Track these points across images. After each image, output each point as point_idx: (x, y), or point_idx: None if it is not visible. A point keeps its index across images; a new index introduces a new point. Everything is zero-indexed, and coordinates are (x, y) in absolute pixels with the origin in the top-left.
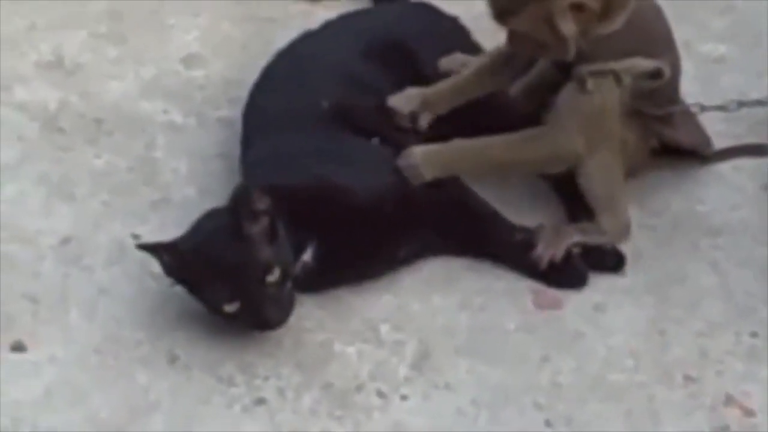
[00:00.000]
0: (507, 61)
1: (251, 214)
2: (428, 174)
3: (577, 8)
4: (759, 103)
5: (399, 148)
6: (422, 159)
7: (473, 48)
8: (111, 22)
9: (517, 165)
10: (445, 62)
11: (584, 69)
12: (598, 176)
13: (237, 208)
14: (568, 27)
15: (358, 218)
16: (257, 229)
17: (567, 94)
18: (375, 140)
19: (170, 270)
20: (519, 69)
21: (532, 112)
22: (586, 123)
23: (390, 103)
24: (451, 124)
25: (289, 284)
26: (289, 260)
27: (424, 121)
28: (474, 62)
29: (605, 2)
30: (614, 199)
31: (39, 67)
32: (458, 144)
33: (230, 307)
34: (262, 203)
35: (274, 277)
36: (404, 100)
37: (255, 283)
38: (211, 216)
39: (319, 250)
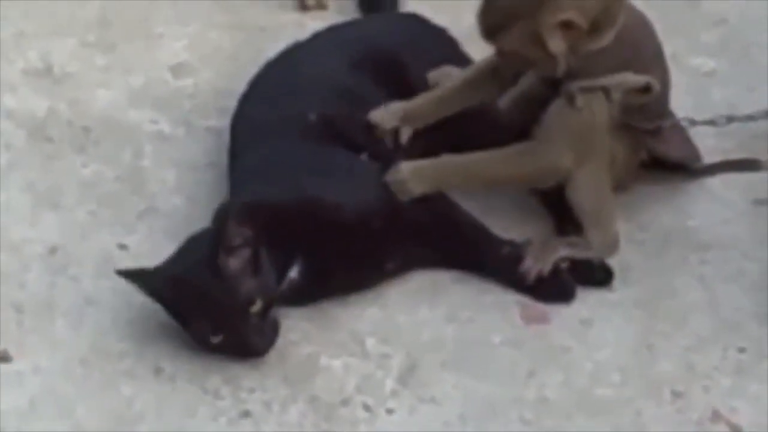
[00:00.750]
0: (492, 75)
1: (231, 248)
2: (416, 190)
3: (566, 26)
4: (749, 117)
5: (387, 162)
6: (410, 175)
7: (462, 59)
8: (100, 30)
9: (505, 180)
10: (434, 75)
11: (574, 85)
12: (587, 190)
13: (216, 243)
14: (556, 44)
15: (345, 234)
16: (238, 262)
17: (556, 109)
18: (363, 155)
19: (151, 296)
20: (505, 83)
21: (520, 127)
22: (575, 139)
23: (371, 118)
24: (440, 139)
25: (272, 311)
26: (272, 289)
27: (405, 136)
28: (458, 75)
29: (594, 19)
30: (603, 214)
31: (27, 74)
32: (446, 160)
33: (215, 339)
34: (242, 235)
35: (257, 308)
36: (386, 115)
37: (238, 317)
38: (193, 242)
39: (306, 266)
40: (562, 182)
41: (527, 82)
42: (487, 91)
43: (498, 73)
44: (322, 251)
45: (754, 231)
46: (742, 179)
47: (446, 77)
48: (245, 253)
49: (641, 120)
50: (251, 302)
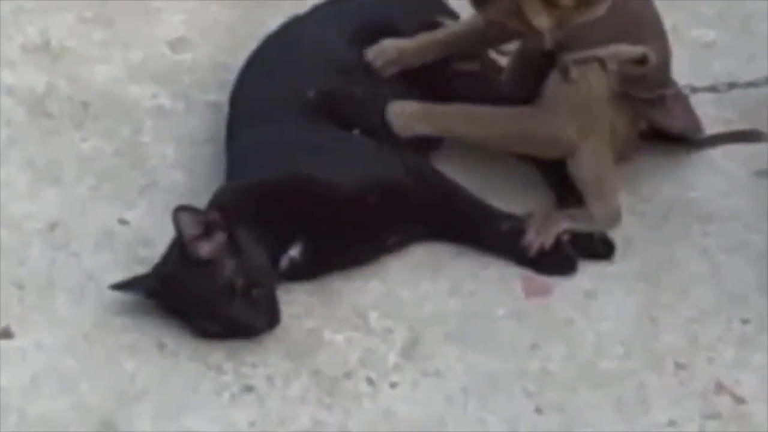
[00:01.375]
0: (486, 30)
1: (200, 236)
2: (418, 126)
3: (549, 3)
4: (750, 84)
5: (381, 138)
6: (417, 111)
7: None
8: (98, 5)
9: (507, 139)
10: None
11: (567, 58)
12: (588, 163)
13: (180, 236)
14: (540, 20)
15: (343, 211)
16: (212, 247)
17: (553, 83)
18: (356, 131)
19: (150, 299)
20: (498, 40)
21: (522, 98)
22: (576, 111)
23: (366, 56)
24: None
25: (263, 287)
26: (253, 265)
27: (391, 71)
28: (455, 24)
29: None
30: (604, 186)
31: (25, 50)
32: (454, 107)
33: (215, 328)
34: (211, 221)
35: (239, 288)
36: (379, 53)
37: (223, 302)
38: (174, 244)
39: (306, 244)
40: (565, 155)
41: (527, 52)
42: (482, 42)
43: (490, 30)
44: (321, 229)
45: (756, 202)
46: (744, 150)
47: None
48: (220, 236)
49: (641, 90)
50: (232, 283)
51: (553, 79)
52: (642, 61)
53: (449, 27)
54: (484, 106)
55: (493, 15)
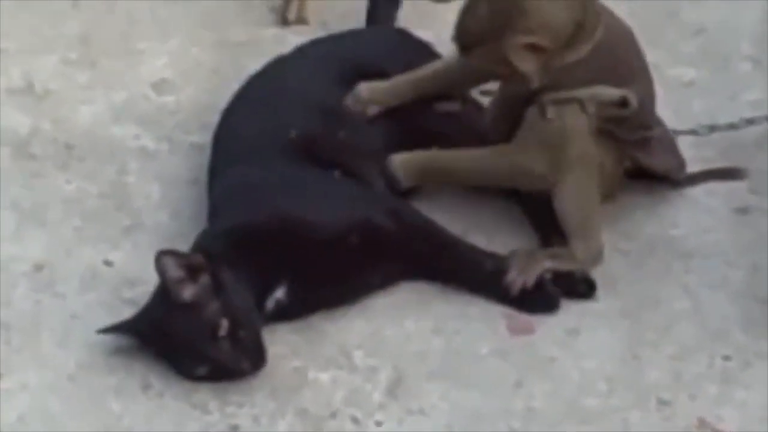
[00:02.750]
0: (463, 70)
1: (184, 279)
2: (406, 181)
3: (534, 48)
4: (730, 126)
5: (362, 179)
6: (400, 167)
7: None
8: (81, 47)
9: (486, 178)
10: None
11: (546, 97)
12: (573, 201)
13: (164, 281)
14: (525, 65)
15: (326, 252)
16: (196, 290)
17: (529, 118)
18: (336, 172)
19: (139, 341)
20: (476, 78)
21: (504, 135)
22: (547, 147)
23: (345, 102)
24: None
25: (248, 328)
26: (238, 307)
27: (372, 111)
28: (431, 64)
29: (566, 37)
30: (588, 225)
31: (9, 92)
32: (434, 154)
33: (201, 371)
34: (194, 263)
35: (223, 330)
36: (355, 96)
37: (208, 345)
38: (159, 287)
39: (291, 285)
40: (549, 192)
41: (508, 92)
42: (459, 81)
43: (467, 69)
44: (305, 270)
45: (736, 239)
46: (724, 188)
47: None
48: (203, 279)
49: (624, 131)
50: (216, 326)
51: (530, 115)
52: (622, 103)
53: (426, 67)
54: (464, 149)
55: (478, 60)
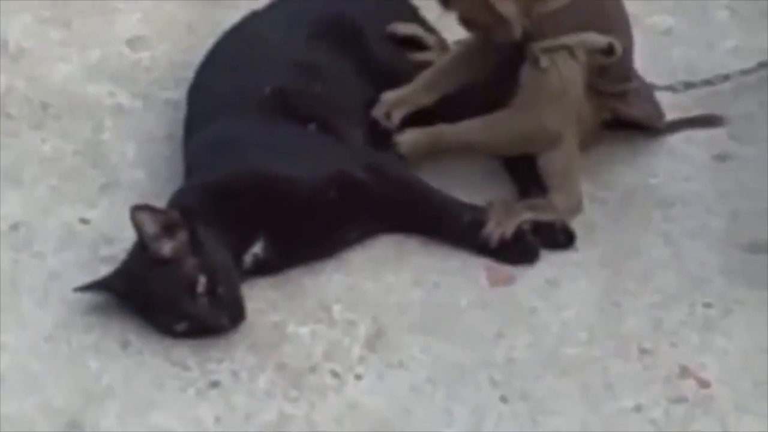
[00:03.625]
0: (479, 50)
1: (162, 235)
2: (415, 160)
3: None
4: (706, 82)
5: (337, 133)
6: (408, 148)
7: (421, 24)
8: (55, 5)
9: (498, 147)
10: (399, 27)
11: (536, 47)
12: (559, 155)
13: (141, 236)
14: (505, 7)
15: (303, 207)
16: (174, 246)
17: (526, 74)
18: (311, 126)
19: (117, 297)
20: (491, 57)
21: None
22: (553, 100)
23: (373, 114)
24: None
25: (226, 284)
26: (216, 263)
27: (396, 118)
28: (444, 57)
29: None
30: (569, 176)
31: None
32: (440, 130)
33: (180, 327)
34: (171, 220)
35: (202, 286)
36: (383, 108)
37: (187, 301)
38: (137, 244)
39: (268, 241)
40: (551, 146)
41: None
42: (476, 68)
43: (483, 48)
44: (282, 225)
45: (716, 186)
46: (703, 135)
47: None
48: (181, 235)
49: (605, 83)
50: (194, 282)
51: (525, 72)
52: (609, 51)
53: (441, 59)
54: (468, 120)
55: (458, 8)
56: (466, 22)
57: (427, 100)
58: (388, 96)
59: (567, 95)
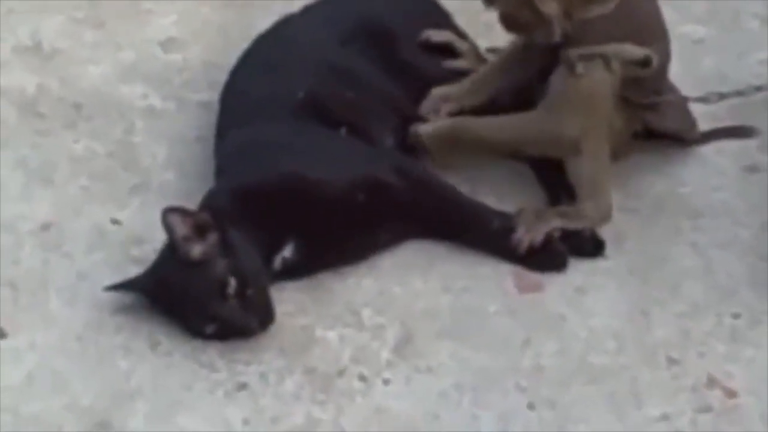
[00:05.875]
0: (524, 53)
1: (193, 236)
2: (435, 154)
3: None
4: (738, 93)
5: (368, 138)
6: (428, 139)
7: (454, 31)
8: (88, 6)
9: (516, 146)
10: (432, 33)
11: (573, 52)
12: (587, 162)
13: (171, 238)
14: (548, 6)
15: (333, 210)
16: (204, 248)
17: (557, 78)
18: (342, 130)
19: (146, 299)
20: (536, 59)
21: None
22: (579, 107)
23: (420, 111)
24: None
25: (256, 287)
26: (246, 265)
27: (444, 112)
28: (496, 56)
29: None
30: (599, 184)
31: (17, 51)
32: (460, 123)
33: (209, 329)
34: (202, 222)
35: (232, 288)
36: (430, 104)
37: (217, 303)
38: (167, 245)
39: (298, 243)
40: (570, 154)
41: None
42: (519, 73)
43: (524, 53)
44: (312, 228)
45: (746, 197)
46: (734, 146)
47: (447, 39)
48: (212, 237)
49: (637, 94)
50: (224, 284)
51: (558, 75)
52: (645, 63)
53: (490, 62)
54: (490, 117)
55: (501, 5)
56: (507, 20)
57: (473, 101)
58: (438, 91)
59: (594, 106)
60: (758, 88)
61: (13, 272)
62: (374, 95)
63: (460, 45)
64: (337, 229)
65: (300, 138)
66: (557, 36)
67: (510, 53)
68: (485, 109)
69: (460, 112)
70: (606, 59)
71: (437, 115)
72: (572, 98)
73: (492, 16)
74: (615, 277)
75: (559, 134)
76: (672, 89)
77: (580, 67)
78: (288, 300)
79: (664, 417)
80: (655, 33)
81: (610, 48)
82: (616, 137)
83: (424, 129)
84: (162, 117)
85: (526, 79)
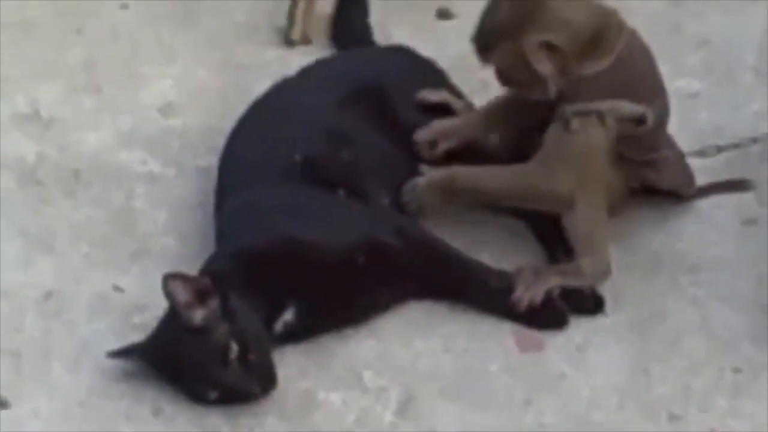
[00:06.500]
0: (522, 102)
1: (194, 302)
2: (430, 205)
3: (551, 48)
4: (735, 146)
5: (366, 199)
6: (425, 190)
7: (451, 91)
8: (86, 72)
9: (510, 198)
10: (429, 94)
11: (568, 109)
12: (583, 218)
13: (173, 305)
14: (543, 66)
15: (333, 272)
16: (205, 313)
17: (552, 134)
18: (340, 192)
19: (148, 366)
20: (535, 110)
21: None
22: (573, 164)
23: (415, 137)
24: None
25: (257, 351)
26: (247, 330)
27: (441, 148)
28: (494, 99)
29: (586, 44)
30: (596, 241)
31: (15, 119)
32: (456, 172)
33: (212, 395)
34: (203, 287)
35: (234, 353)
36: (426, 133)
37: (219, 369)
38: (169, 311)
39: (299, 307)
40: (563, 209)
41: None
42: (521, 118)
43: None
44: (313, 291)
45: (743, 251)
46: (731, 200)
47: (443, 98)
48: (212, 303)
49: (634, 151)
50: (226, 350)
51: (553, 130)
52: (640, 120)
53: (493, 99)
54: (486, 167)
55: (496, 62)
56: (502, 77)
57: (476, 134)
58: (438, 124)
59: (588, 163)
60: (754, 140)
61: (16, 340)
62: (371, 156)
63: (456, 104)
64: (337, 292)
65: (299, 201)
66: (552, 94)
67: (510, 97)
68: (483, 160)
69: (457, 154)
70: (601, 116)
71: (433, 150)
72: (566, 154)
73: (488, 73)
74: (615, 334)
75: (551, 189)
76: (670, 144)
77: (575, 124)
78: (290, 363)
79: None
80: (651, 90)
81: (606, 105)
82: (613, 193)
83: (419, 180)
84: (161, 182)
85: (524, 129)
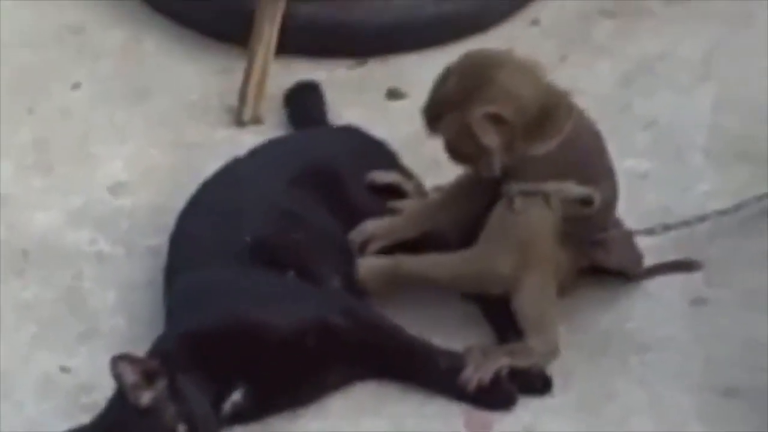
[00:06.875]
0: (469, 190)
1: (141, 383)
2: (373, 288)
3: (496, 120)
4: (684, 224)
5: (316, 280)
6: (367, 274)
7: (401, 171)
8: (37, 152)
9: (453, 283)
10: (379, 175)
11: (513, 187)
12: (531, 298)
13: (120, 386)
14: (488, 138)
15: (282, 353)
16: (153, 395)
17: (496, 213)
18: (290, 273)
19: None
20: (480, 197)
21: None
22: (514, 244)
23: (350, 237)
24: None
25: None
26: (195, 412)
27: (372, 249)
28: (437, 191)
29: (533, 122)
30: (545, 321)
31: None
32: (399, 261)
33: None
34: (150, 368)
35: None
36: (360, 234)
37: None
38: (116, 392)
39: (247, 387)
40: (507, 289)
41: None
42: (462, 209)
43: (470, 190)
44: (261, 372)
45: (692, 331)
46: (679, 279)
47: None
48: (160, 384)
49: (583, 231)
50: (174, 430)
51: (497, 209)
52: (587, 202)
53: (430, 197)
54: (430, 255)
55: (444, 133)
56: (450, 149)
57: (408, 233)
58: (369, 225)
59: (531, 243)
60: (702, 218)
61: None
62: (321, 237)
63: (407, 185)
64: (286, 373)
65: (248, 282)
66: (497, 169)
67: (454, 188)
68: (432, 244)
69: (393, 248)
70: (546, 197)
71: (364, 251)
72: (508, 234)
73: (439, 152)
74: (563, 415)
75: (491, 271)
76: (617, 224)
77: (518, 203)
78: None
79: None
80: (599, 172)
81: (551, 186)
82: (562, 273)
83: (363, 264)
84: (111, 262)
85: (472, 214)
